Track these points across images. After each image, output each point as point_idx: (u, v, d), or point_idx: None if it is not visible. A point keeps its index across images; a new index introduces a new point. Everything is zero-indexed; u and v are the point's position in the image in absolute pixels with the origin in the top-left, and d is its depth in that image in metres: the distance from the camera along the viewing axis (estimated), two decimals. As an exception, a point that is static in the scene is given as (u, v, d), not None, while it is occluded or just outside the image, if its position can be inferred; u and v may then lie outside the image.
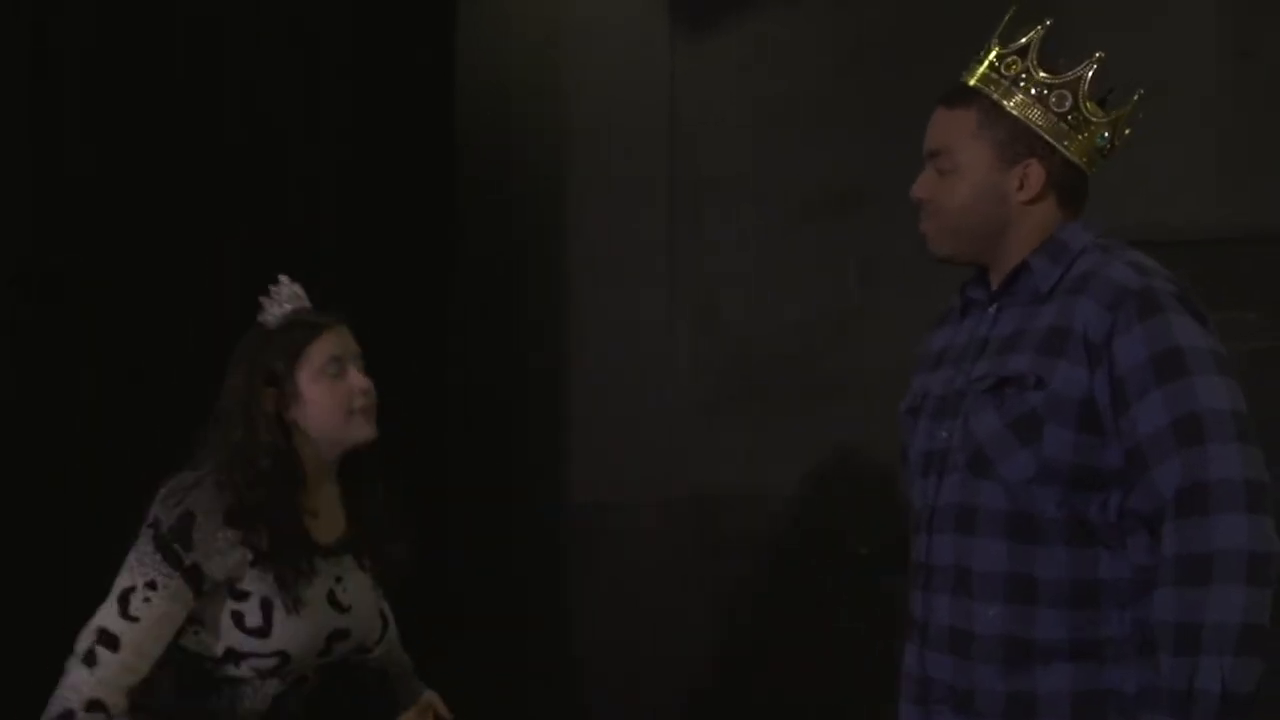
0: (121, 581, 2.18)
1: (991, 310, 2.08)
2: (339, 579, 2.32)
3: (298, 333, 2.30)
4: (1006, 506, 1.95)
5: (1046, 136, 2.02)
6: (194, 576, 2.17)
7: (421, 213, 3.74)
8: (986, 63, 2.06)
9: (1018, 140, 2.03)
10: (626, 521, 3.91)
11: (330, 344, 2.31)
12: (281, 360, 2.28)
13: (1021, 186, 2.03)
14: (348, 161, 3.61)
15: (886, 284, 3.67)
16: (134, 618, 2.14)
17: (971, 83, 2.06)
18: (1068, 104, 2.02)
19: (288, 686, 2.29)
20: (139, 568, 2.17)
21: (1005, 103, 2.03)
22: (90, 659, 2.12)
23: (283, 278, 2.36)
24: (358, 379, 2.32)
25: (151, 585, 2.15)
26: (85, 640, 2.15)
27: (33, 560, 2.94)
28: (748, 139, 3.83)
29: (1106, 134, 2.05)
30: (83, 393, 3.07)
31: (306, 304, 2.36)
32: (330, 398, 2.29)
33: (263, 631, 2.22)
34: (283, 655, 2.24)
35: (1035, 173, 2.03)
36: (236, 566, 2.20)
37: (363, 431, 2.32)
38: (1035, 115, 2.02)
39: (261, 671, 2.24)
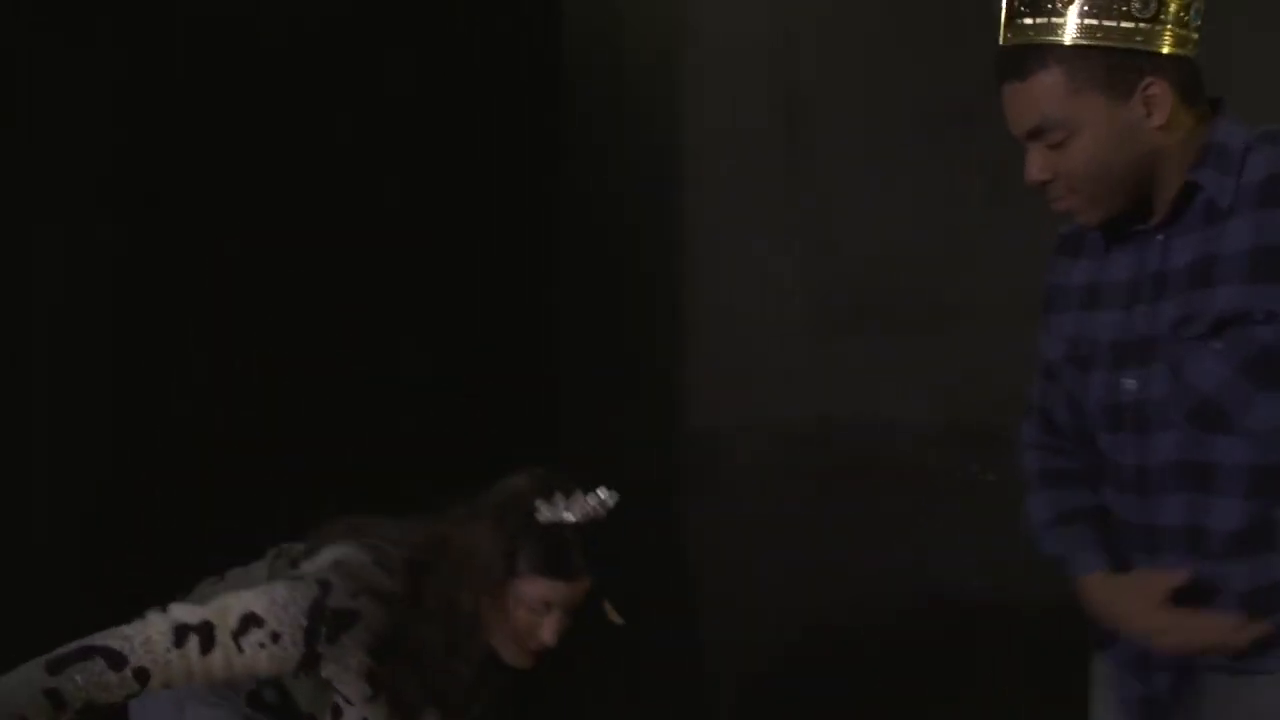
0: (256, 601, 2.04)
1: (1159, 239, 1.86)
2: None
3: (557, 559, 2.15)
4: (1251, 460, 1.78)
5: (1143, 47, 1.78)
6: (310, 662, 2.07)
7: (529, 131, 3.67)
8: (1023, 9, 1.82)
9: (1117, 69, 1.79)
10: (744, 448, 3.83)
11: (566, 594, 2.17)
12: (517, 560, 2.14)
13: (1150, 112, 1.81)
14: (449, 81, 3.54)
15: (1013, 203, 3.49)
16: (241, 649, 2.01)
17: (1030, 39, 1.82)
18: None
19: None
20: (281, 612, 2.03)
21: (1080, 40, 1.78)
22: (180, 637, 1.99)
23: (604, 494, 2.18)
24: (551, 631, 2.18)
25: (275, 639, 2.02)
26: (187, 616, 2.03)
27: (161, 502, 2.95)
28: (865, 52, 3.67)
29: (1191, 8, 1.80)
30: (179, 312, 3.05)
31: (588, 520, 2.17)
32: (520, 626, 2.17)
33: None
34: None
35: (1156, 90, 1.80)
36: (352, 686, 2.13)
37: (520, 663, 2.21)
38: (1118, 32, 1.77)
39: None
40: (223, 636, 2.01)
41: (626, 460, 3.82)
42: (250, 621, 2.02)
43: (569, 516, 2.14)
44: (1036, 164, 1.87)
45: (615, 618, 2.28)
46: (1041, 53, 1.81)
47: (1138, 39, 1.78)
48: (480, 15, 3.70)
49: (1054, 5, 1.79)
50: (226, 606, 2.04)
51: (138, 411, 3.06)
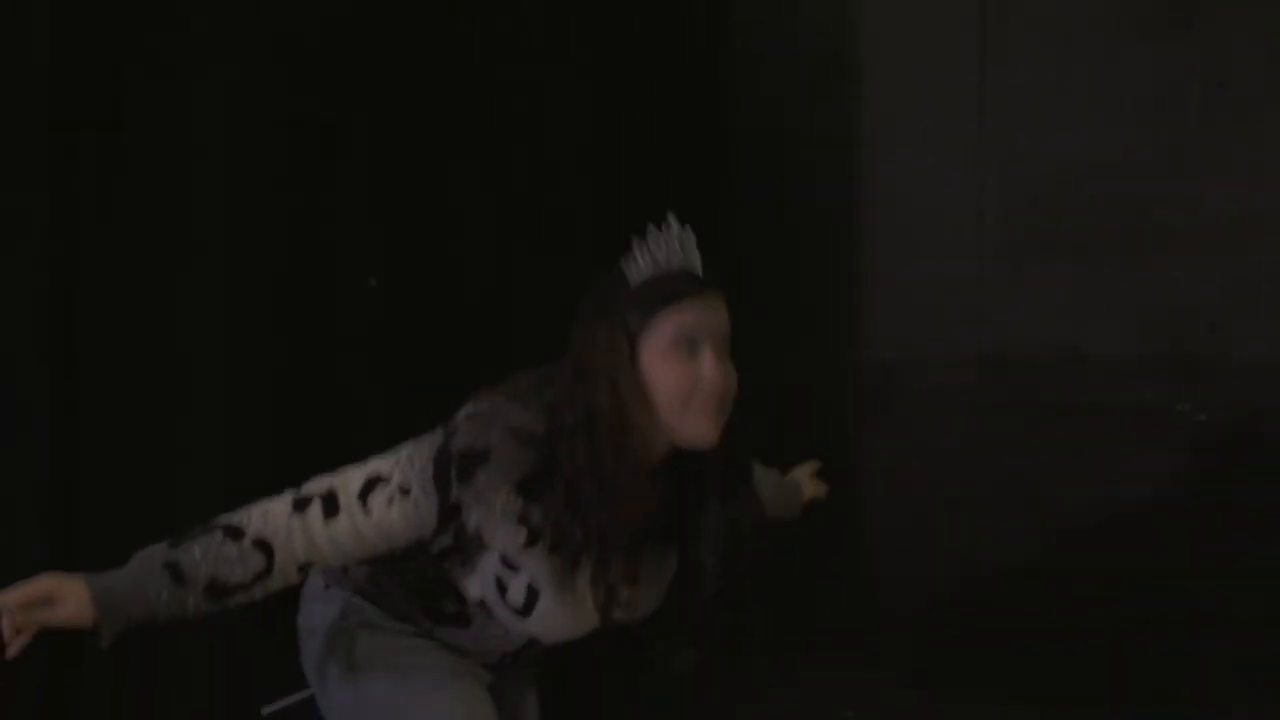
0: (381, 464, 1.88)
1: None
2: (631, 578, 1.96)
3: (653, 294, 1.89)
4: None
5: None
6: (448, 514, 1.87)
7: (700, 60, 3.49)
8: None
9: None
10: (927, 381, 3.60)
11: (687, 317, 1.89)
12: (635, 321, 1.88)
13: None
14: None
15: (1230, 114, 3.18)
16: (367, 508, 1.86)
17: None
18: None
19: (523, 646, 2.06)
20: (407, 466, 1.86)
21: None
22: (301, 505, 1.84)
23: (671, 218, 1.94)
24: (711, 367, 1.89)
25: (405, 491, 1.85)
26: (312, 487, 1.87)
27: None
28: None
29: None
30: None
31: (685, 262, 1.94)
32: (667, 380, 1.88)
33: (521, 612, 1.93)
34: (533, 640, 2.00)
35: None
36: (506, 540, 1.88)
37: (699, 430, 1.89)
38: None
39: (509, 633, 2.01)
40: (346, 500, 1.86)
41: (805, 390, 3.63)
42: (375, 481, 1.86)
43: (658, 256, 1.91)
44: None
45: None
46: None
47: None
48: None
49: None
50: (350, 474, 1.88)
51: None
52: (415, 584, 2.02)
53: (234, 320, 2.82)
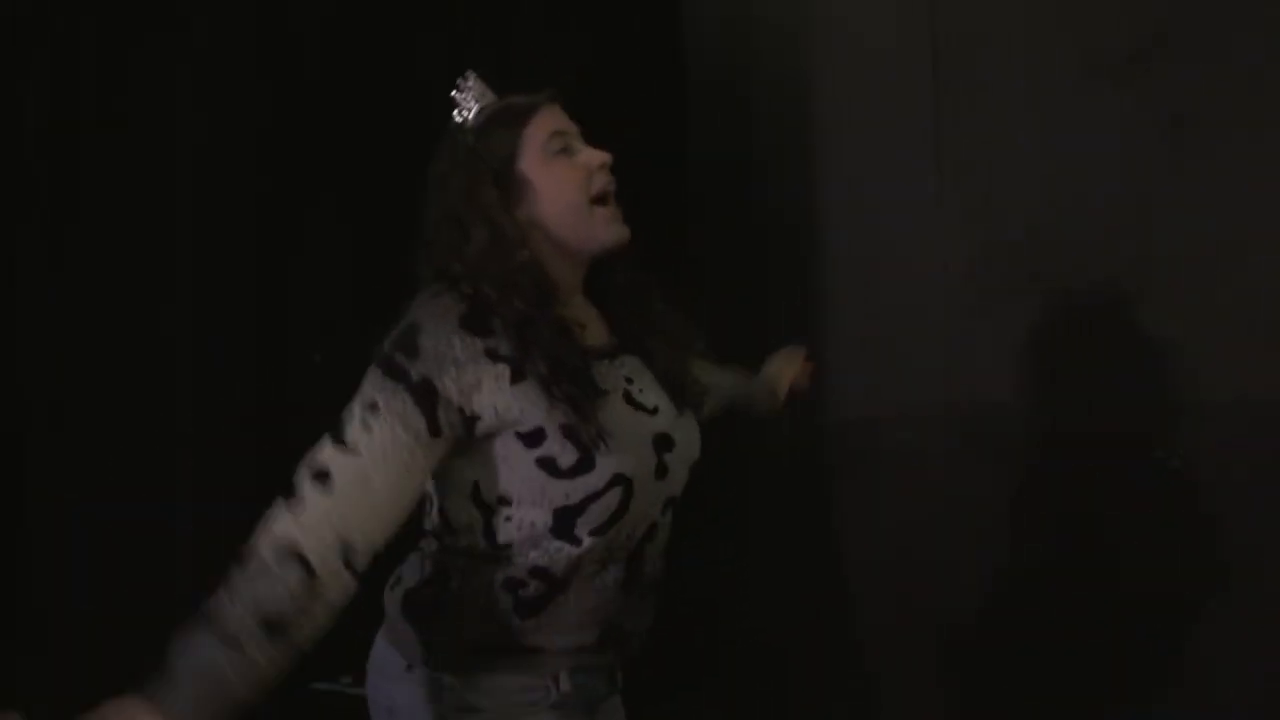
0: (343, 418, 1.76)
1: None
2: (630, 379, 1.92)
3: (506, 118, 1.92)
4: None
5: None
6: (425, 394, 1.74)
7: (654, 96, 3.41)
8: None
9: None
10: (891, 437, 3.48)
11: (548, 121, 1.93)
12: (497, 153, 1.90)
13: None
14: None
15: (1193, 152, 3.11)
16: (351, 447, 1.71)
17: None
18: None
19: (627, 572, 1.89)
20: (358, 397, 1.76)
21: None
22: (293, 496, 1.70)
23: (470, 73, 1.99)
24: (591, 153, 1.94)
25: (372, 407, 1.73)
26: (294, 478, 1.73)
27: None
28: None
29: None
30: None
31: (497, 97, 1.99)
32: (564, 179, 1.90)
33: (587, 462, 1.79)
34: (622, 480, 1.81)
35: None
36: (491, 388, 1.77)
37: (609, 231, 1.93)
38: None
39: (601, 526, 1.82)
40: (327, 457, 1.73)
41: (770, 451, 3.51)
42: (342, 425, 1.75)
43: (484, 99, 1.97)
44: None
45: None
46: None
47: None
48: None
49: None
50: (319, 444, 1.76)
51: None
52: (485, 590, 1.87)
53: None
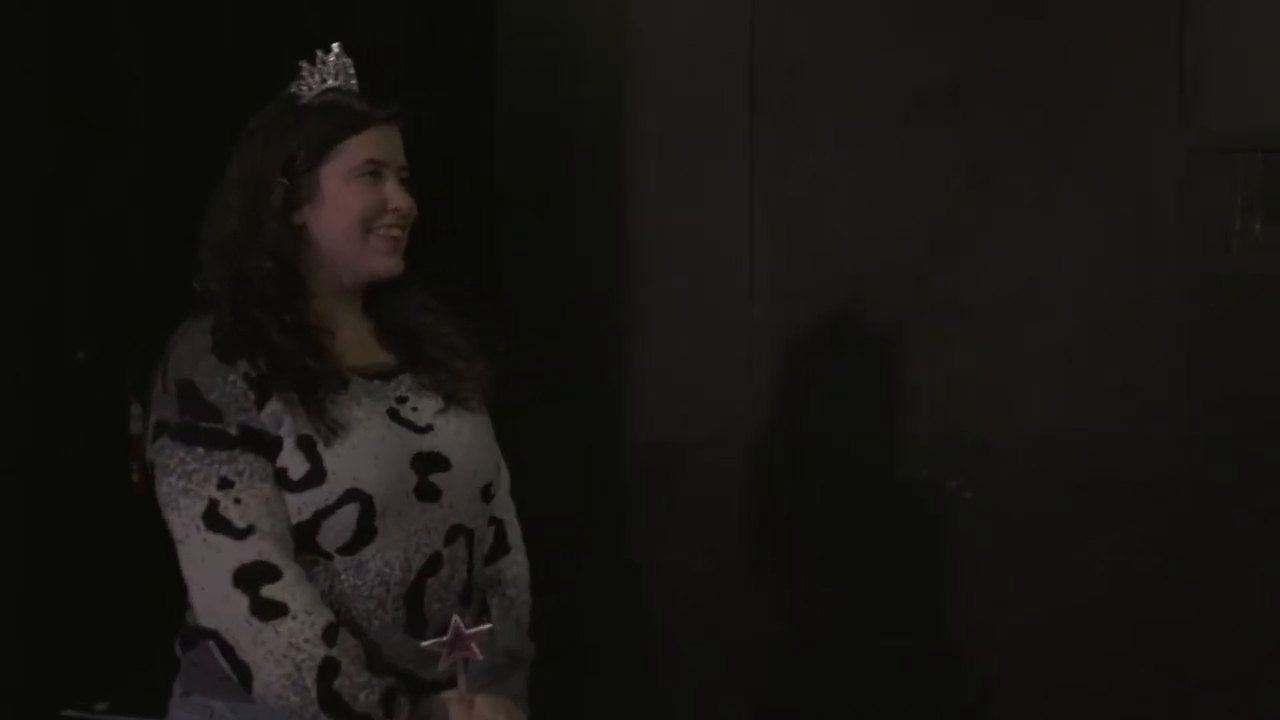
0: (178, 528, 1.73)
1: None
2: (401, 399, 1.87)
3: (336, 118, 1.85)
4: None
5: None
6: (256, 441, 1.74)
7: (466, 131, 3.40)
8: None
9: None
10: (698, 463, 3.49)
11: (374, 143, 1.86)
12: (306, 146, 1.83)
13: None
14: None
15: (1001, 195, 3.21)
16: (247, 531, 1.70)
17: None
18: None
19: (408, 610, 1.83)
20: (186, 487, 1.71)
21: None
22: (260, 612, 1.69)
23: (336, 46, 1.90)
24: (396, 194, 1.87)
25: (225, 484, 1.71)
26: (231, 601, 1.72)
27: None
28: (833, 36, 3.33)
29: None
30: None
31: (354, 86, 1.90)
32: (354, 204, 1.84)
33: (317, 474, 1.76)
34: (358, 496, 1.77)
35: None
36: (267, 413, 1.75)
37: (383, 262, 1.88)
38: None
39: (348, 543, 1.78)
40: (235, 551, 1.72)
41: (575, 474, 3.49)
42: (221, 520, 1.73)
43: (331, 80, 1.88)
44: None
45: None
46: None
47: None
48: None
49: None
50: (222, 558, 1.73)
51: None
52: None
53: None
